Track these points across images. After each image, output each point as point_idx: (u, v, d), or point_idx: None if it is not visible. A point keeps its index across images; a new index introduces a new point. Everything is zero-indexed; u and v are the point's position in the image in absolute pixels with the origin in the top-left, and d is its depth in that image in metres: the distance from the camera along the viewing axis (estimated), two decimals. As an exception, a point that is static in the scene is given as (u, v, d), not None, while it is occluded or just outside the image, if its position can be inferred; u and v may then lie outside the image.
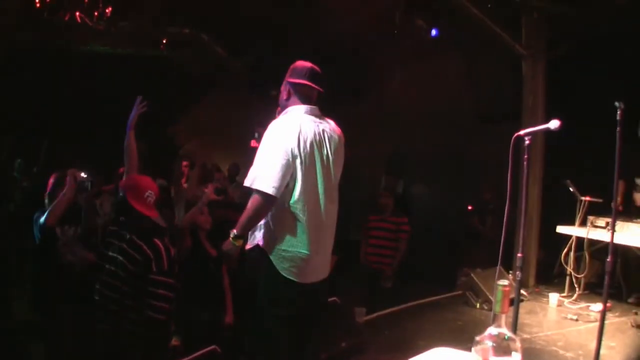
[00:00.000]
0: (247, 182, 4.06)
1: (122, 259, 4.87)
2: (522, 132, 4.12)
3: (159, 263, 4.89)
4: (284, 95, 4.34)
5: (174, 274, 5.06)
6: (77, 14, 11.69)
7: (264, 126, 4.23)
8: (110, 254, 4.96)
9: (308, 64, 4.35)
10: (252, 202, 4.05)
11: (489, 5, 8.61)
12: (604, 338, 4.90)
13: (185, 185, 8.30)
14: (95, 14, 11.81)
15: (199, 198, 7.07)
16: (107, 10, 11.81)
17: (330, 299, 5.55)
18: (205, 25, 13.32)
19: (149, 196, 4.97)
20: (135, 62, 13.93)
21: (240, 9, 11.05)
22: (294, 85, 4.29)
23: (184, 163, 9.12)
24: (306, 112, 4.22)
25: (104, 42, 13.13)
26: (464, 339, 2.59)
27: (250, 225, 4.11)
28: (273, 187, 3.95)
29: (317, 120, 4.25)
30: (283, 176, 3.97)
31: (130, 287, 4.85)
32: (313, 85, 4.27)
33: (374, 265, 8.67)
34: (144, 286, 4.84)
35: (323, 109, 4.40)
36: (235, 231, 4.11)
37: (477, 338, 2.07)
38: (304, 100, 4.28)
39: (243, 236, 4.13)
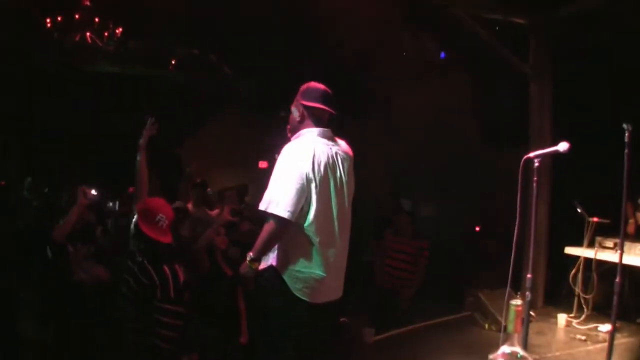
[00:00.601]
0: (262, 206, 4.07)
1: (131, 282, 4.87)
2: (531, 155, 4.14)
3: (165, 290, 4.84)
4: (296, 117, 4.33)
5: (182, 301, 5.01)
6: (88, 34, 11.79)
7: (278, 148, 4.26)
8: (125, 275, 4.97)
9: (321, 86, 4.36)
10: (268, 226, 4.07)
11: (497, 28, 8.65)
12: (612, 359, 4.90)
13: (189, 206, 8.31)
14: (105, 34, 11.90)
15: (202, 219, 7.14)
16: (117, 31, 11.91)
17: (340, 319, 5.57)
18: (213, 46, 13.40)
19: (160, 220, 4.91)
20: (144, 82, 14.02)
21: (249, 29, 11.12)
22: (307, 108, 4.30)
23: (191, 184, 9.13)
24: (319, 135, 4.24)
25: (113, 62, 13.23)
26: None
27: (267, 249, 4.13)
28: (288, 211, 3.97)
29: (330, 142, 4.27)
30: (298, 200, 4.00)
31: (136, 311, 4.84)
32: (327, 109, 4.29)
33: (390, 286, 8.64)
34: (150, 312, 4.82)
35: (332, 129, 4.43)
36: (251, 254, 4.13)
37: (491, 357, 2.09)
38: (317, 123, 4.29)
39: (259, 259, 4.15)
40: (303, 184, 4.01)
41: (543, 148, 4.24)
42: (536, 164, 4.14)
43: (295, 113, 4.36)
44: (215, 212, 7.90)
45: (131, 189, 9.17)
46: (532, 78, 8.86)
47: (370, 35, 9.62)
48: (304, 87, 4.41)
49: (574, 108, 9.08)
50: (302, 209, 4.06)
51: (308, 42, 10.61)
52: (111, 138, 13.57)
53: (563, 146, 4.06)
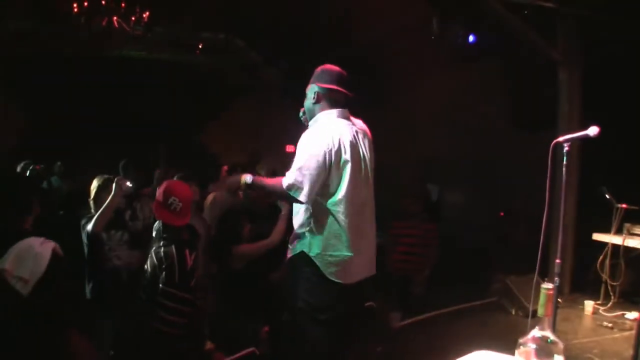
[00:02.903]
0: (284, 184, 4.10)
1: (148, 261, 4.97)
2: (561, 139, 4.11)
3: (169, 274, 4.86)
4: (311, 99, 4.35)
5: (188, 288, 5.02)
6: (115, 18, 11.83)
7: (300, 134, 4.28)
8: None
9: (336, 68, 4.37)
10: (281, 187, 4.13)
11: (525, 12, 8.57)
12: (640, 347, 4.87)
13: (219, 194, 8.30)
14: (132, 19, 11.93)
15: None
16: (144, 15, 11.93)
17: (367, 304, 5.57)
18: (240, 31, 13.40)
19: (172, 203, 4.93)
20: (171, 67, 14.08)
21: (275, 15, 11.12)
22: (322, 90, 4.31)
23: (224, 168, 9.11)
24: (338, 116, 4.25)
25: (140, 47, 13.29)
26: (500, 345, 2.61)
27: (267, 198, 4.24)
28: (306, 196, 4.04)
29: (349, 122, 4.29)
30: (317, 186, 4.05)
31: (147, 291, 4.91)
32: (344, 91, 4.30)
33: (402, 272, 8.62)
34: (155, 295, 4.87)
35: (357, 114, 4.44)
36: (252, 178, 4.22)
37: (521, 340, 2.09)
38: (333, 105, 4.30)
39: (253, 189, 4.26)
40: (324, 169, 4.04)
41: (572, 134, 4.21)
42: (566, 149, 4.10)
43: (309, 95, 4.37)
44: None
45: (157, 171, 9.22)
46: (561, 64, 8.78)
47: (397, 19, 9.58)
48: (318, 69, 4.42)
49: (603, 94, 8.98)
50: (329, 190, 4.09)
51: (335, 27, 10.59)
52: (139, 121, 13.70)
53: (593, 130, 4.02)
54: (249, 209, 6.70)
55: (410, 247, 8.53)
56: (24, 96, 13.44)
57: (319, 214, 4.13)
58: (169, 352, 4.94)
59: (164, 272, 4.85)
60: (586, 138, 4.08)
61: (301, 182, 4.03)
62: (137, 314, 4.95)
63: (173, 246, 4.94)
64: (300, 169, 4.07)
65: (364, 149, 4.28)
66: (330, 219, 4.11)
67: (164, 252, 4.90)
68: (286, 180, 4.12)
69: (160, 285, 4.85)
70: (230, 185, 4.34)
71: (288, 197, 4.14)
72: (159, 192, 5.07)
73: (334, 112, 4.26)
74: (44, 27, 12.15)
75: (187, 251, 5.05)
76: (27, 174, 10.25)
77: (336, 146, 4.05)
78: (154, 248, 4.99)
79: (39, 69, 13.13)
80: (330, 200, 4.11)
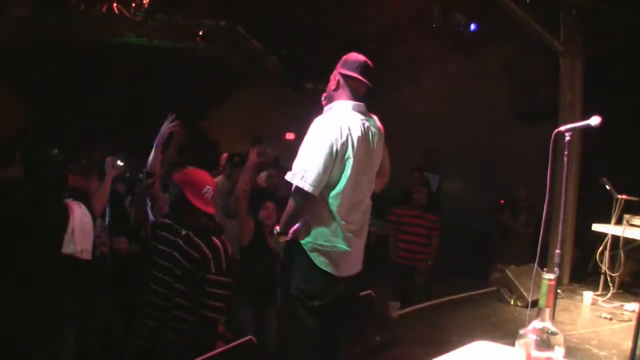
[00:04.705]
0: (288, 177, 4.08)
1: (177, 256, 4.83)
2: (562, 128, 4.09)
3: (218, 263, 4.85)
4: (332, 85, 4.33)
5: (231, 272, 5.04)
6: (115, 5, 11.79)
7: (307, 120, 4.24)
8: (162, 247, 4.92)
9: (361, 57, 4.34)
10: (292, 199, 4.10)
11: (527, 1, 8.53)
12: (639, 338, 4.86)
13: (218, 179, 8.29)
14: (133, 5, 11.90)
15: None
16: (144, 2, 11.90)
17: (365, 292, 5.56)
18: (241, 18, 13.36)
19: (206, 192, 4.89)
20: (171, 54, 14.05)
21: (276, 3, 11.09)
22: (344, 76, 4.28)
23: (224, 155, 9.11)
24: (353, 109, 4.22)
25: (140, 33, 13.25)
26: (498, 335, 2.60)
27: (292, 222, 4.17)
28: (313, 186, 3.98)
29: (363, 117, 4.25)
30: (324, 175, 4.00)
31: (185, 286, 4.80)
32: (364, 80, 4.27)
33: (406, 261, 8.62)
34: (201, 286, 4.81)
35: (366, 103, 4.42)
36: (277, 228, 4.21)
37: (521, 332, 2.08)
38: (352, 94, 4.28)
39: (286, 233, 4.18)
40: (331, 159, 4.01)
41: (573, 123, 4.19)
42: (567, 138, 4.09)
43: (331, 81, 4.34)
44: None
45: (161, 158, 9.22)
46: (563, 54, 8.74)
47: (399, 8, 9.55)
48: (344, 56, 4.39)
49: (604, 85, 8.95)
50: (329, 182, 4.06)
51: (336, 16, 10.55)
52: (138, 109, 13.68)
53: (595, 120, 4.00)
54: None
55: (416, 237, 8.56)
56: (25, 85, 13.44)
57: (315, 203, 4.11)
58: (212, 337, 5.06)
59: (211, 262, 4.83)
60: (588, 128, 4.06)
61: (305, 171, 3.99)
62: (175, 305, 4.86)
63: (213, 235, 4.96)
64: (305, 156, 4.06)
65: (372, 146, 4.26)
66: (326, 210, 4.11)
67: (205, 241, 4.88)
68: (289, 174, 4.11)
69: (208, 275, 4.82)
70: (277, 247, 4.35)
71: (301, 204, 4.08)
72: (188, 180, 4.96)
73: (349, 104, 4.24)
74: (44, 14, 12.09)
75: (222, 237, 5.09)
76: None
77: (343, 138, 4.02)
78: (182, 240, 4.91)
79: (39, 56, 13.12)
80: (328, 193, 4.10)
